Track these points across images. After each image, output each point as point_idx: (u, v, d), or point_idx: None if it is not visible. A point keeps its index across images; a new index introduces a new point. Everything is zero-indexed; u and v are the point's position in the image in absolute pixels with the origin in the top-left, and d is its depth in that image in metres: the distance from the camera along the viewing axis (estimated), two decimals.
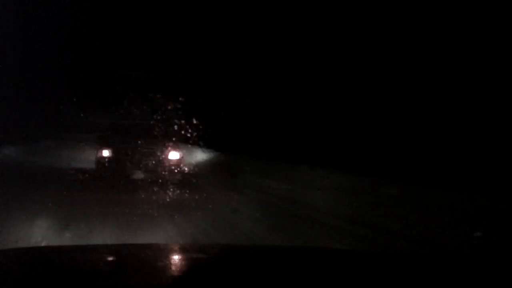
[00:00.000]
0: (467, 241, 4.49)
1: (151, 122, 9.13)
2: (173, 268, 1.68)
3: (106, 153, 8.92)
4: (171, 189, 7.72)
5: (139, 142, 8.83)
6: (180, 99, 9.43)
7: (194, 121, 9.01)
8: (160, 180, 8.11)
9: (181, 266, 1.75)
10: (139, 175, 8.80)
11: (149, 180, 8.36)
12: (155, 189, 7.61)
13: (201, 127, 9.08)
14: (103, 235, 4.62)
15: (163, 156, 8.98)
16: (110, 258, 1.80)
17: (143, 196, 7.23)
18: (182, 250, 2.22)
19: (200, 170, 10.75)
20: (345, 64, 10.81)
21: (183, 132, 8.94)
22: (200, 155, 12.40)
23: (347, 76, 10.80)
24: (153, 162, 8.84)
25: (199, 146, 11.14)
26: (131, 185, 8.11)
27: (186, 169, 9.14)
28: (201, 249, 2.32)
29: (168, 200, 7.16)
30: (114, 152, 8.85)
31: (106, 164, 8.76)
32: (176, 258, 1.93)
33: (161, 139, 8.95)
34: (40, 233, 4.57)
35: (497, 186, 5.73)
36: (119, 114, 9.59)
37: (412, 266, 1.78)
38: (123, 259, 1.78)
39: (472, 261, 2.15)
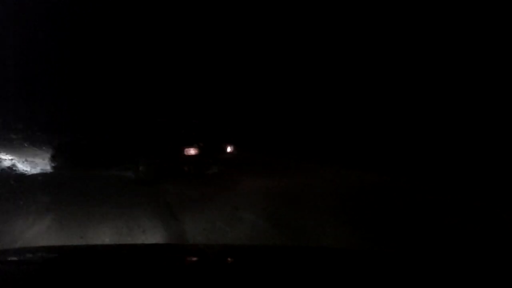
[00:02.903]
0: None
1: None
2: (173, 268, 1.68)
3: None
4: None
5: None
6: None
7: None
8: None
9: (181, 266, 1.75)
10: None
11: None
12: None
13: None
14: None
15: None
16: (110, 258, 1.80)
17: None
18: (182, 250, 2.22)
19: None
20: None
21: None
22: None
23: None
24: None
25: None
26: None
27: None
28: (201, 249, 2.32)
29: None
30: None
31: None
32: (176, 258, 1.93)
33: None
34: None
35: None
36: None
37: (412, 266, 1.78)
38: (123, 259, 1.78)
39: (471, 261, 2.15)
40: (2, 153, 11.53)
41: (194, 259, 1.91)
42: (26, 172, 9.55)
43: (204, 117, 10.82)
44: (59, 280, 1.40)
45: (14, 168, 9.92)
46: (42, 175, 9.18)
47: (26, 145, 11.46)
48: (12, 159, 10.80)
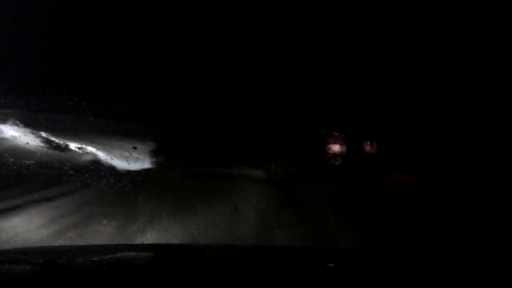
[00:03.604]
0: None
1: None
2: (173, 268, 1.67)
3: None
4: None
5: None
6: None
7: None
8: None
9: (181, 266, 1.75)
10: None
11: None
12: None
13: None
14: None
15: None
16: (110, 258, 1.80)
17: None
18: (182, 250, 2.21)
19: None
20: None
21: None
22: None
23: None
24: None
25: None
26: None
27: None
28: (201, 249, 2.32)
29: None
30: None
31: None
32: (176, 258, 1.93)
33: None
34: None
35: None
36: None
37: (411, 266, 1.78)
38: (123, 259, 1.78)
39: (470, 261, 2.15)
40: (98, 147, 9.57)
41: (194, 259, 1.91)
42: (124, 168, 8.00)
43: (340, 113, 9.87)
44: (59, 280, 1.39)
45: (111, 164, 8.24)
46: (145, 173, 7.73)
47: (123, 136, 9.56)
48: (109, 153, 9.03)
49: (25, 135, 9.34)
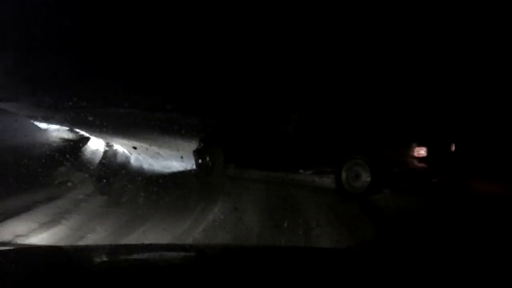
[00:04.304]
0: None
1: None
2: (173, 268, 1.68)
3: None
4: None
5: None
6: None
7: None
8: None
9: (181, 266, 1.75)
10: None
11: None
12: None
13: None
14: None
15: None
16: (110, 258, 1.80)
17: None
18: (182, 250, 2.22)
19: None
20: None
21: None
22: None
23: None
24: None
25: None
26: None
27: None
28: (201, 249, 2.32)
29: None
30: None
31: None
32: (176, 258, 1.93)
33: None
34: None
35: None
36: None
37: (411, 266, 1.78)
38: (123, 259, 1.78)
39: (469, 261, 2.15)
40: (130, 142, 8.24)
41: (194, 259, 1.91)
42: (157, 172, 6.96)
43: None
44: (59, 280, 1.40)
45: (142, 165, 7.28)
46: (186, 177, 6.76)
47: (160, 131, 8.15)
48: (139, 152, 7.81)
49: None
